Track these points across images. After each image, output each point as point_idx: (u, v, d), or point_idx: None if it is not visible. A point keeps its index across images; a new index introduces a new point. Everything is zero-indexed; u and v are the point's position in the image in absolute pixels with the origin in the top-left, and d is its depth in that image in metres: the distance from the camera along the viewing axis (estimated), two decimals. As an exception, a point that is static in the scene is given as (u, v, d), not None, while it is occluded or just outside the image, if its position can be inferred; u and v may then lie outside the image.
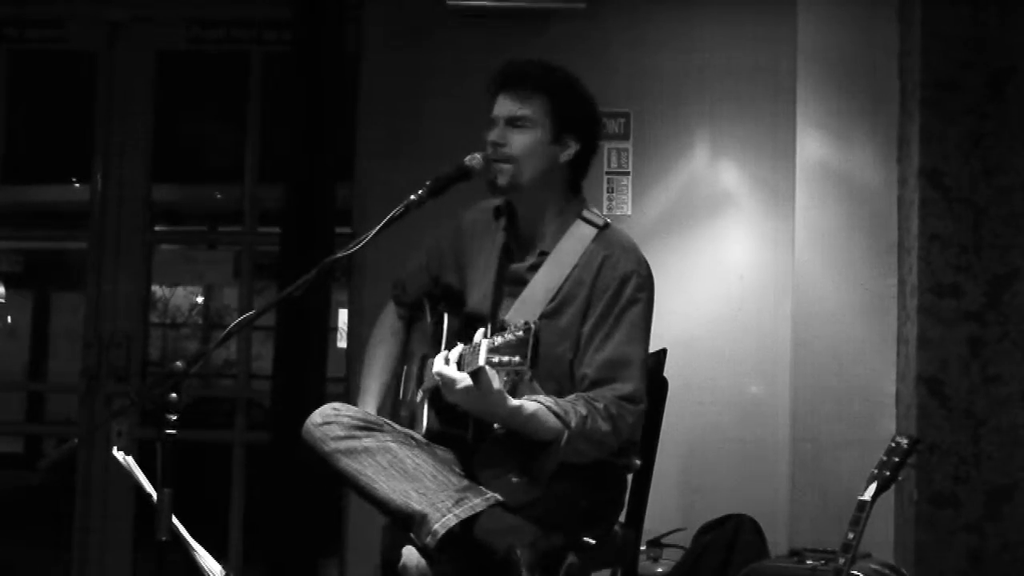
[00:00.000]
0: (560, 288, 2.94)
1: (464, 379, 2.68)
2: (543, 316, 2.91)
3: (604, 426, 2.81)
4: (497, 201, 3.11)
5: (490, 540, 2.66)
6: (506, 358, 2.54)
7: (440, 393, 2.80)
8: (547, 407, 2.78)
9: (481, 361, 2.57)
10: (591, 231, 3.00)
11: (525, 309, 2.91)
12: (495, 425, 2.80)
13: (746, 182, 4.83)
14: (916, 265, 4.21)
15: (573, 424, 2.77)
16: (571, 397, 2.84)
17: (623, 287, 2.92)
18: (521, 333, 2.55)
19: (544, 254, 2.99)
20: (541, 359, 2.88)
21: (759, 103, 4.81)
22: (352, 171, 5.01)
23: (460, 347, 2.75)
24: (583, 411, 2.79)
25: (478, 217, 3.18)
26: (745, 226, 4.82)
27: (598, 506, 2.95)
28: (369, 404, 3.14)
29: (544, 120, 2.98)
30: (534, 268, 2.99)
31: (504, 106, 2.98)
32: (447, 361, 2.74)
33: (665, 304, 4.57)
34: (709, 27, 4.87)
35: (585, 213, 3.04)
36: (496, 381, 2.68)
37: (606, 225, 3.04)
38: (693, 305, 4.78)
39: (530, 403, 2.77)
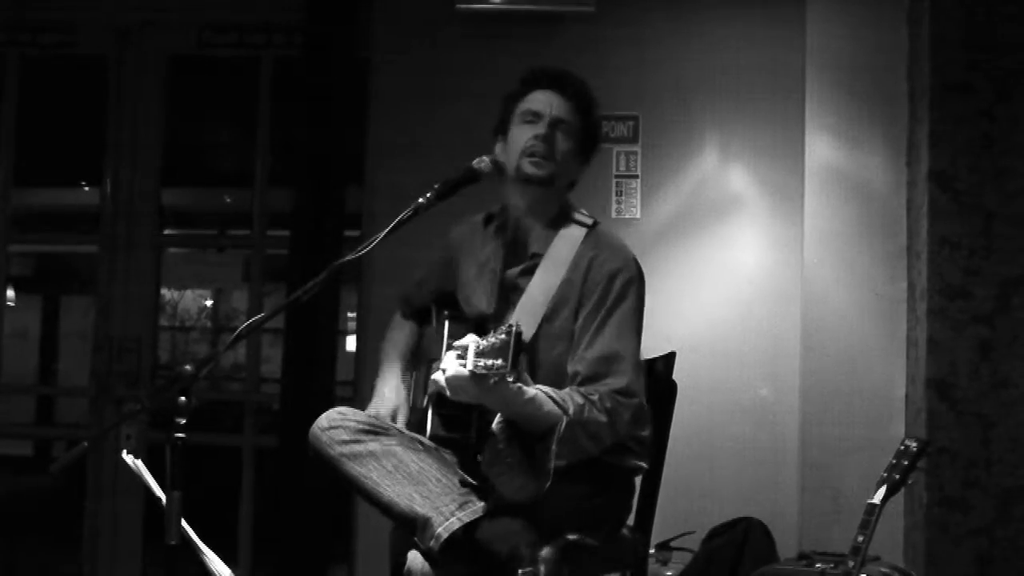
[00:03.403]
0: (555, 292, 2.95)
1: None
2: (542, 320, 2.93)
3: (601, 417, 2.81)
4: (493, 210, 3.15)
5: (493, 544, 2.66)
6: (490, 362, 2.54)
7: (442, 398, 2.80)
8: (545, 394, 2.78)
9: (469, 366, 2.58)
10: (580, 232, 3.03)
11: (525, 315, 2.92)
12: (496, 417, 2.79)
13: (755, 185, 4.83)
14: (925, 268, 4.20)
15: (571, 411, 2.77)
16: (566, 390, 2.84)
17: (611, 284, 2.94)
18: (504, 336, 2.55)
19: (536, 256, 3.01)
20: (541, 364, 2.90)
21: (768, 106, 4.81)
22: (362, 174, 5.02)
23: (453, 353, 2.73)
24: (579, 400, 2.81)
25: (464, 230, 3.23)
26: (754, 229, 4.82)
27: (605, 509, 2.95)
28: (390, 380, 3.17)
29: (578, 134, 3.04)
30: (527, 272, 3.01)
31: (555, 105, 3.02)
32: (443, 371, 2.73)
33: (674, 307, 4.64)
34: (718, 30, 4.87)
35: (574, 215, 3.07)
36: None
37: (594, 224, 3.06)
38: (702, 308, 4.77)
39: (529, 388, 2.77)
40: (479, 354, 2.57)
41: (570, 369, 2.91)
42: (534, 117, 3.01)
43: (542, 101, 3.03)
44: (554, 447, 2.69)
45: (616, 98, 4.79)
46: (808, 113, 4.63)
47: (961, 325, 4.15)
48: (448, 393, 2.73)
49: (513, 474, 2.75)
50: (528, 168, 2.99)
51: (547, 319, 2.94)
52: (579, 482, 2.83)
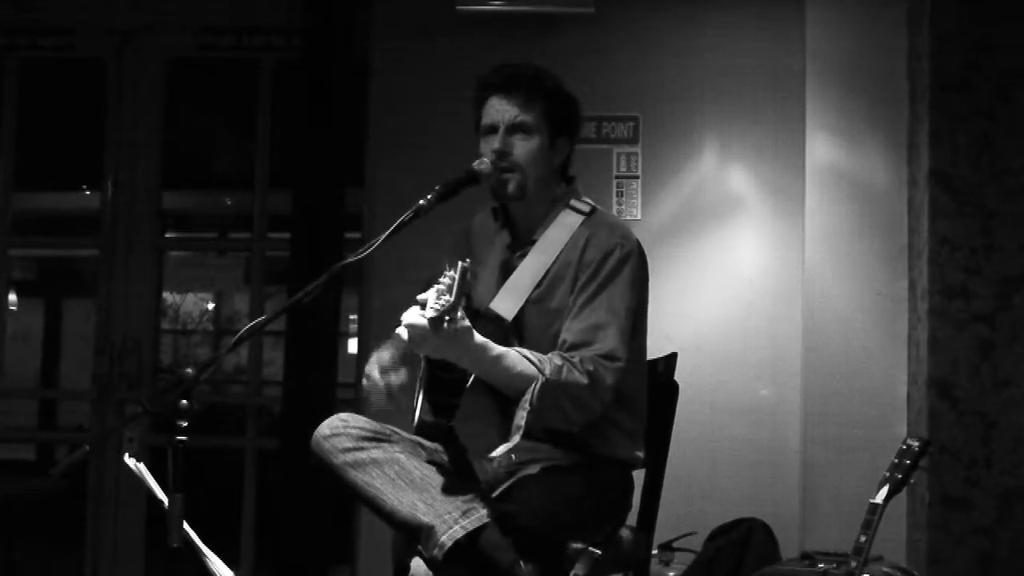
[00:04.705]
0: (547, 272, 2.96)
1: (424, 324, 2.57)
2: (530, 301, 2.94)
3: (581, 379, 2.78)
4: (495, 204, 3.14)
5: (496, 552, 2.66)
6: (442, 300, 2.49)
7: (434, 385, 2.79)
8: (521, 354, 2.77)
9: (429, 312, 2.50)
10: (578, 218, 3.03)
11: (510, 295, 2.93)
12: (471, 378, 2.75)
13: (755, 185, 4.83)
14: (926, 267, 4.20)
15: (547, 371, 2.75)
16: (547, 355, 2.82)
17: (605, 260, 2.93)
18: (453, 272, 2.51)
19: (535, 242, 3.01)
20: (536, 341, 2.88)
21: (768, 106, 4.81)
22: (362, 175, 5.02)
23: (416, 306, 2.66)
24: (558, 362, 2.79)
25: (482, 220, 3.22)
26: (754, 229, 4.82)
27: (603, 510, 2.95)
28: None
29: (542, 126, 3.01)
30: (523, 256, 3.01)
31: (504, 111, 2.99)
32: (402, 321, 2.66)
33: (675, 308, 4.64)
34: (717, 30, 4.87)
35: (573, 202, 3.06)
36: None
37: (593, 211, 3.06)
38: (703, 309, 4.78)
39: (499, 346, 2.75)
40: (438, 296, 2.51)
41: (559, 339, 2.90)
42: (491, 130, 3.01)
43: (494, 111, 3.01)
44: (527, 406, 2.68)
45: (616, 99, 4.78)
46: (808, 113, 4.63)
47: (962, 324, 4.16)
48: (409, 343, 2.67)
49: (484, 434, 2.74)
50: (495, 185, 2.98)
51: (538, 300, 2.94)
52: (574, 483, 2.84)
